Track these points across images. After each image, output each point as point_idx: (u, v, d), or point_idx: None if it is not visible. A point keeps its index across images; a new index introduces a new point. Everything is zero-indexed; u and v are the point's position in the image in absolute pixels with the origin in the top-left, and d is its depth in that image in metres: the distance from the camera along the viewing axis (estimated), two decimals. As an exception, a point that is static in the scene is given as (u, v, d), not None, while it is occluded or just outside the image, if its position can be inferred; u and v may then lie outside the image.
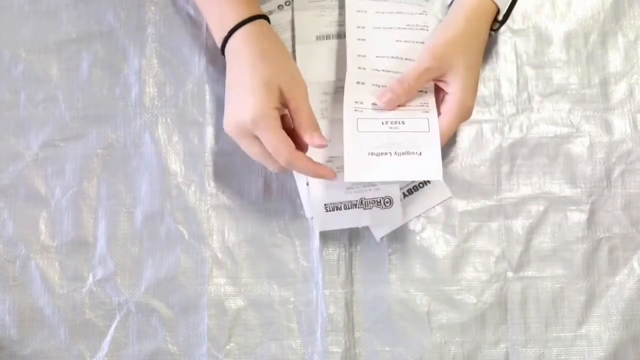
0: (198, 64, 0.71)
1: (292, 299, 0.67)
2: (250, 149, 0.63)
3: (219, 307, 0.67)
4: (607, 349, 0.66)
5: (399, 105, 0.65)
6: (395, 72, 0.67)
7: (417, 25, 0.69)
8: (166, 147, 0.69)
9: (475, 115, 0.70)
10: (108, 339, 0.66)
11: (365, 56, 0.68)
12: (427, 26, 0.69)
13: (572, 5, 0.72)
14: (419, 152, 0.62)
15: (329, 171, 0.63)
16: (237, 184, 0.69)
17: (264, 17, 0.65)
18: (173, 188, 0.68)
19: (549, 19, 0.72)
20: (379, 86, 0.66)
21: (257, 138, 0.61)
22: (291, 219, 0.68)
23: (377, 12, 0.70)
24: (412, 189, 0.68)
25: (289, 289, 0.67)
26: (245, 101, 0.61)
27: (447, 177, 0.69)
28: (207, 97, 0.70)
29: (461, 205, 0.69)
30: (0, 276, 0.67)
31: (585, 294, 0.67)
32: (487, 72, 0.71)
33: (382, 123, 0.64)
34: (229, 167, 0.69)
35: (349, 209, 0.66)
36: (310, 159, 0.62)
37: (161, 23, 0.71)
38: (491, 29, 0.67)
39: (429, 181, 0.68)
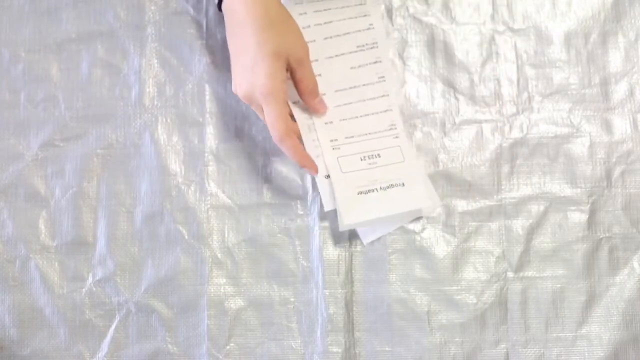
0: (198, 64, 0.71)
1: (292, 299, 0.67)
2: (259, 114, 0.64)
3: (219, 307, 0.67)
4: (608, 349, 0.66)
5: (368, 133, 0.67)
6: (357, 101, 0.68)
7: (366, 44, 0.70)
8: (166, 147, 0.69)
9: (476, 115, 0.70)
10: (108, 339, 0.66)
11: (325, 94, 0.68)
12: (376, 43, 0.70)
13: (573, 5, 0.72)
14: (401, 183, 0.66)
15: (313, 165, 0.64)
16: (237, 184, 0.69)
17: None
18: (173, 188, 0.68)
19: (549, 19, 0.72)
20: (346, 119, 0.68)
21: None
22: (291, 219, 0.68)
23: (326, 38, 0.70)
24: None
25: (289, 289, 0.67)
26: (255, 73, 0.60)
27: (447, 177, 0.69)
28: (207, 97, 0.70)
29: (461, 205, 0.68)
30: (0, 276, 0.67)
31: (586, 294, 0.67)
32: (487, 72, 0.71)
33: (361, 159, 0.66)
34: (229, 167, 0.69)
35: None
36: (300, 144, 0.63)
37: (161, 23, 0.71)
38: None
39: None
